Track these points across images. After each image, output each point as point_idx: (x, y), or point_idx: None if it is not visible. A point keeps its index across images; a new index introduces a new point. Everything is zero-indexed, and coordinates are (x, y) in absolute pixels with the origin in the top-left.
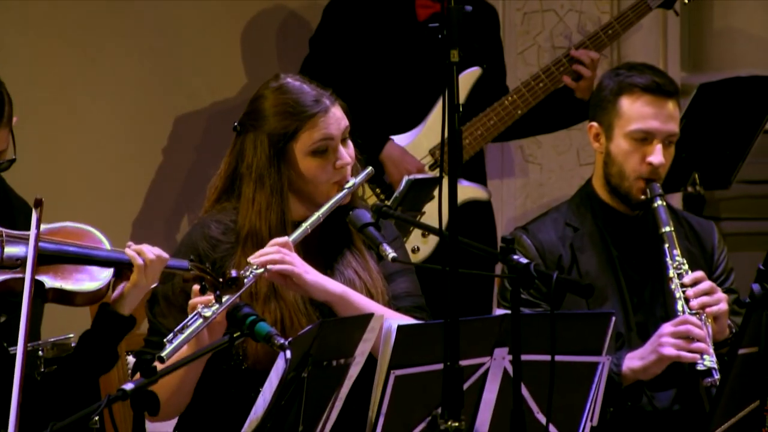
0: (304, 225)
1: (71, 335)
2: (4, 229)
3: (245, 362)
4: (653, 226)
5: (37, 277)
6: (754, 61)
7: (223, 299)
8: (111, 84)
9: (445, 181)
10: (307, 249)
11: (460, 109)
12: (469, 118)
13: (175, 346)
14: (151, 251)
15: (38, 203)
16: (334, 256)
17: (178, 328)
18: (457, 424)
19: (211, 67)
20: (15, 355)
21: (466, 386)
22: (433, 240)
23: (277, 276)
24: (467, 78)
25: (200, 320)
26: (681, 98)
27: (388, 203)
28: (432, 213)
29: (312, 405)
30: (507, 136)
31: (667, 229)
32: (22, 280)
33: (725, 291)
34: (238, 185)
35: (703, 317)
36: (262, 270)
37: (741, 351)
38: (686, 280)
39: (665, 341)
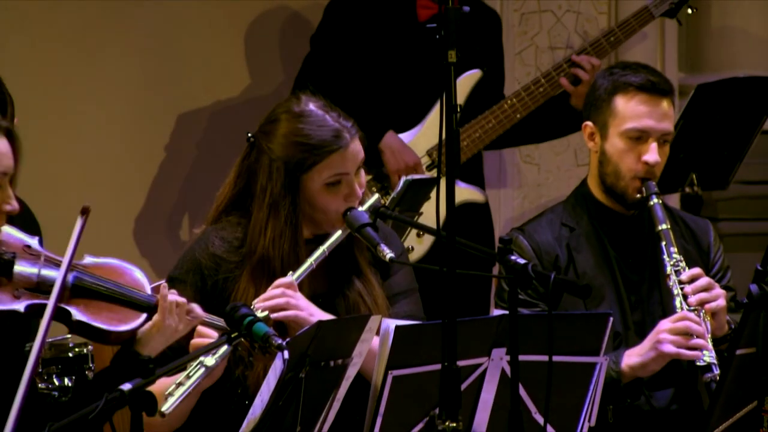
0: (309, 260)
1: (69, 336)
2: (44, 251)
3: (248, 392)
4: (649, 224)
5: (65, 306)
6: (752, 62)
7: (223, 348)
8: (112, 83)
9: (443, 182)
10: (312, 274)
11: (459, 110)
12: (468, 121)
13: (177, 399)
14: (188, 306)
15: (85, 211)
16: (339, 278)
17: (180, 378)
18: (454, 424)
19: (213, 67)
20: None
21: (463, 387)
22: (427, 240)
23: (282, 320)
24: (467, 80)
25: (202, 369)
26: (679, 99)
27: (385, 203)
28: (429, 213)
29: (309, 406)
30: (501, 143)
31: (664, 227)
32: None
33: (722, 288)
34: (249, 204)
35: (701, 313)
36: (265, 314)
37: (739, 351)
38: (684, 277)
39: (664, 338)
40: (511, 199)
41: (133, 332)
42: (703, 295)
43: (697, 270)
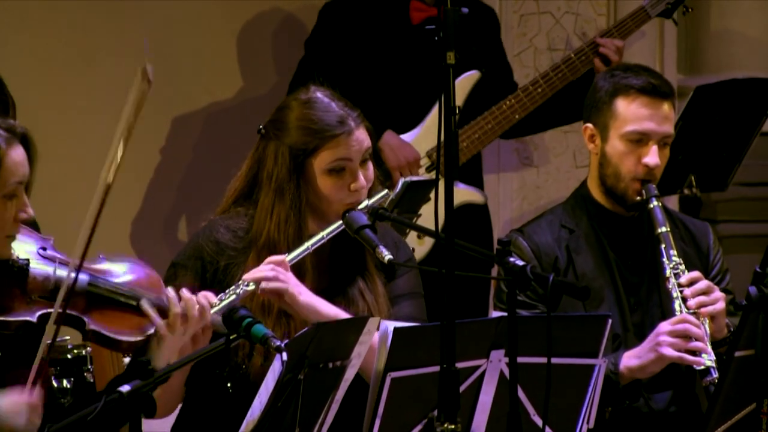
0: (306, 244)
1: (67, 337)
2: (58, 255)
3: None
4: (649, 226)
5: (80, 315)
6: (750, 64)
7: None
8: (108, 85)
9: (442, 184)
10: (317, 265)
11: (457, 112)
12: (467, 122)
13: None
14: (201, 310)
15: (145, 74)
16: (342, 274)
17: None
18: (453, 426)
19: (208, 69)
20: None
21: (462, 389)
22: (428, 241)
23: (269, 293)
24: (465, 81)
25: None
26: (678, 100)
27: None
28: (428, 215)
29: (308, 407)
30: (515, 132)
31: (664, 229)
32: (66, 314)
33: (721, 291)
34: (257, 191)
35: (700, 317)
36: (253, 287)
37: (738, 354)
38: (683, 280)
39: (663, 340)
40: (510, 200)
41: (148, 339)
42: (702, 299)
43: (696, 273)
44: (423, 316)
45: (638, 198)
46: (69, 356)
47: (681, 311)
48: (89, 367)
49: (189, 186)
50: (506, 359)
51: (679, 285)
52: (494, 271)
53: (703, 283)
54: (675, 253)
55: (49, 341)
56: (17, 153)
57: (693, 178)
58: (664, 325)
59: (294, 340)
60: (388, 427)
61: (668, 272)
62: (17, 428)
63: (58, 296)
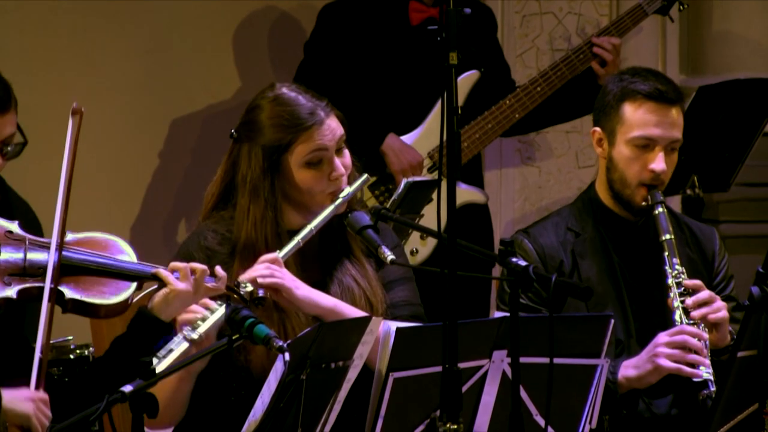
0: (296, 239)
1: (70, 337)
2: (28, 235)
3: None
4: (655, 233)
5: (57, 287)
6: (752, 64)
7: (209, 320)
8: (107, 87)
9: (444, 184)
10: (305, 257)
11: (459, 112)
12: (467, 122)
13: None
14: (197, 264)
15: (76, 111)
16: (332, 263)
17: (163, 352)
18: (455, 426)
19: (207, 70)
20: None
21: (464, 389)
22: (431, 242)
23: (267, 291)
24: (465, 81)
25: (185, 344)
26: None
27: (387, 206)
28: (430, 215)
29: (310, 407)
30: (515, 130)
31: (668, 236)
32: (41, 288)
33: (725, 298)
34: (234, 195)
35: (700, 326)
36: (250, 287)
37: (740, 354)
38: (686, 285)
39: (661, 351)
40: (511, 201)
41: (127, 303)
42: (704, 310)
43: (697, 282)
44: (417, 299)
45: (644, 204)
46: (71, 356)
47: (681, 322)
48: (91, 349)
49: (188, 188)
50: (508, 359)
51: (681, 294)
52: (496, 272)
53: (705, 294)
54: (678, 261)
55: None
56: None
57: (695, 178)
58: (662, 336)
59: (296, 340)
60: (390, 428)
61: (670, 281)
62: (28, 421)
63: (46, 277)
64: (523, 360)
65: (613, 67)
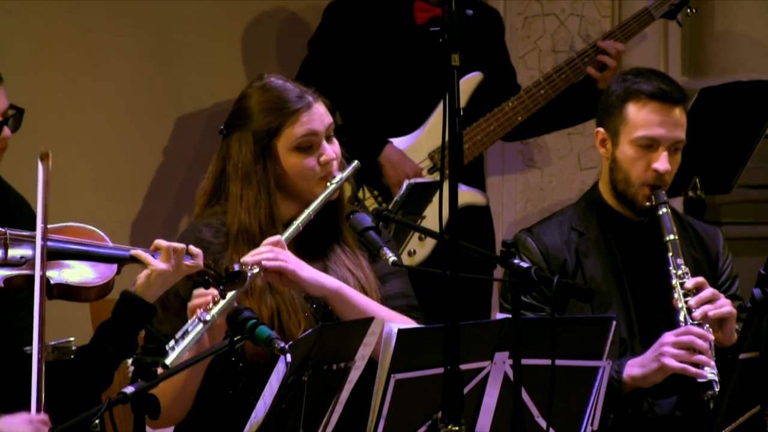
0: (296, 223)
1: (72, 339)
2: (8, 230)
3: (242, 361)
4: (659, 233)
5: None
6: (755, 66)
7: (220, 303)
8: (111, 85)
9: (445, 185)
10: (298, 248)
11: (461, 114)
12: (469, 124)
13: (178, 352)
14: (176, 243)
15: (44, 156)
16: (326, 254)
17: (179, 334)
18: (457, 428)
19: (212, 68)
20: (31, 353)
21: (466, 390)
22: (429, 243)
23: (272, 274)
24: (468, 83)
25: (200, 325)
26: None
27: (388, 207)
28: (432, 217)
29: (312, 409)
30: (517, 134)
31: (671, 237)
32: (27, 276)
33: (730, 297)
34: (226, 185)
35: (705, 326)
36: (257, 270)
37: (742, 356)
38: (688, 284)
39: (666, 351)
40: (513, 202)
41: (108, 285)
42: (707, 307)
43: (700, 279)
44: (411, 291)
45: (648, 204)
46: (72, 357)
47: (686, 322)
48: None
49: (191, 186)
50: (510, 361)
51: (685, 293)
52: (498, 273)
53: (708, 291)
54: (682, 261)
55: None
56: None
57: (697, 180)
58: (668, 336)
59: (298, 341)
60: (392, 429)
61: (674, 281)
62: None
63: (36, 268)
64: (524, 362)
65: (612, 72)
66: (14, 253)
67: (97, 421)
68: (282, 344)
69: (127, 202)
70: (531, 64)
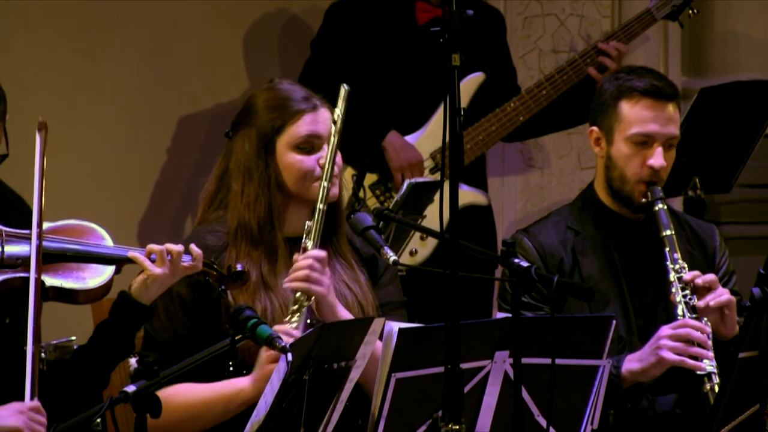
0: (315, 227)
1: (73, 338)
2: (4, 228)
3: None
4: (655, 230)
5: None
6: (754, 66)
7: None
8: (114, 85)
9: (446, 185)
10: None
11: (462, 114)
12: (471, 124)
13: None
14: (173, 246)
15: (42, 126)
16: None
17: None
18: (457, 427)
19: (214, 69)
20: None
21: (466, 389)
22: (431, 243)
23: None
24: (470, 83)
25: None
26: (682, 102)
27: (389, 206)
28: (433, 216)
29: (313, 408)
30: (518, 135)
31: (668, 232)
32: (23, 278)
33: None
34: (228, 183)
35: (703, 320)
36: (312, 300)
37: (741, 355)
38: (687, 276)
39: (664, 344)
40: (514, 202)
41: (109, 286)
42: (707, 298)
43: (696, 272)
44: (402, 296)
45: (644, 200)
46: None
47: (684, 316)
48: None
49: (195, 185)
50: (510, 360)
51: (682, 286)
52: (498, 273)
53: (709, 276)
54: (679, 256)
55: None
56: None
57: (697, 179)
58: (665, 329)
59: (299, 340)
60: (392, 428)
61: (672, 276)
62: None
63: (31, 268)
64: (524, 361)
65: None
66: (11, 252)
67: (98, 420)
68: (283, 343)
69: (132, 201)
70: (531, 64)
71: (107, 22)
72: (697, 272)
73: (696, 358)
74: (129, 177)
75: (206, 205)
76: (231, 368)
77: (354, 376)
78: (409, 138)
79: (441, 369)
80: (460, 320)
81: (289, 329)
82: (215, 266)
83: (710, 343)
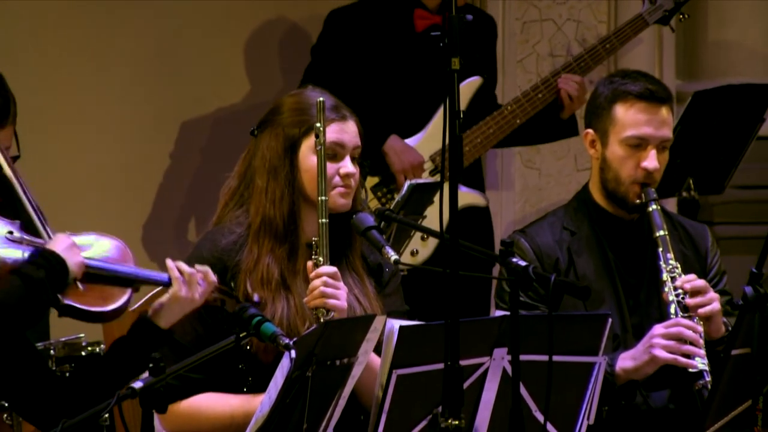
0: (322, 235)
1: (82, 335)
2: (25, 236)
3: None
4: (649, 230)
5: None
6: (747, 70)
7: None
8: (119, 90)
9: (446, 186)
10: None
11: (461, 117)
12: (469, 127)
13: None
14: (196, 268)
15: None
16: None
17: None
18: (457, 422)
19: (216, 75)
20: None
21: (466, 385)
22: (432, 243)
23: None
24: (468, 87)
25: None
26: (676, 105)
27: (390, 207)
28: (433, 217)
29: (316, 403)
30: (504, 144)
31: (661, 233)
32: None
33: (718, 292)
34: (251, 179)
35: (695, 319)
36: (332, 313)
37: (734, 352)
38: (679, 282)
39: (657, 342)
40: (512, 202)
41: (121, 310)
42: (698, 299)
43: (692, 276)
44: (404, 305)
45: (638, 201)
46: (83, 353)
47: (676, 315)
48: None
49: (198, 188)
50: (509, 357)
51: (675, 288)
52: (495, 271)
53: (700, 282)
54: (672, 256)
55: None
56: None
57: (691, 181)
58: (658, 328)
59: (302, 338)
60: (393, 423)
61: (665, 276)
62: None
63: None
64: (522, 357)
65: (579, 103)
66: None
67: (106, 415)
68: (286, 340)
69: (136, 204)
70: (529, 68)
71: (113, 29)
72: (692, 276)
73: (688, 356)
74: (134, 179)
75: (226, 202)
76: (242, 368)
77: (356, 372)
78: (409, 141)
79: (441, 366)
80: (459, 318)
81: None
82: (231, 293)
83: (702, 341)
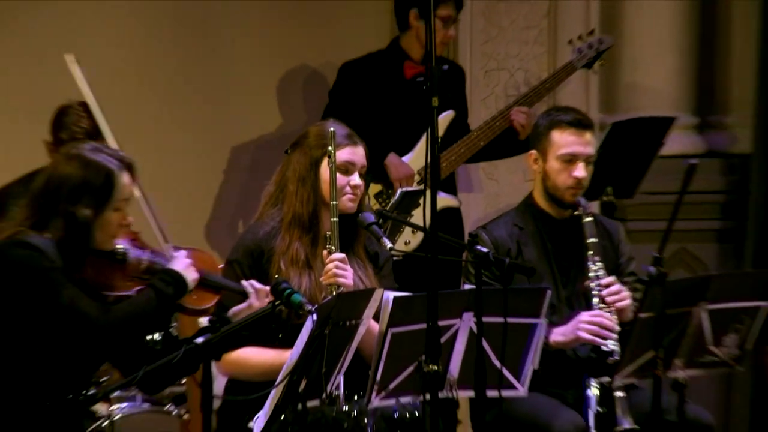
0: (331, 234)
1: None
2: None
3: (283, 321)
4: (578, 227)
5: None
6: (652, 105)
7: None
8: (191, 123)
9: (428, 193)
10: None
11: (439, 141)
12: (446, 148)
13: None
14: (261, 286)
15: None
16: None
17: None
18: (436, 367)
19: (257, 110)
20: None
21: (442, 340)
22: (420, 235)
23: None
24: (444, 119)
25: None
26: (599, 132)
27: (387, 208)
28: (418, 216)
29: (332, 353)
30: (471, 160)
31: (593, 240)
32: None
33: (627, 273)
34: (285, 186)
35: (612, 311)
36: (339, 290)
37: (641, 315)
38: (603, 282)
39: (582, 326)
40: (477, 205)
41: (211, 308)
42: (614, 297)
43: (612, 278)
44: (395, 285)
45: (576, 213)
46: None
47: (599, 307)
48: (174, 324)
49: (244, 199)
50: (474, 319)
51: (599, 286)
52: (464, 256)
53: (616, 287)
54: (599, 259)
55: None
56: (125, 177)
57: (609, 188)
58: (584, 315)
59: (321, 305)
60: (389, 369)
61: (592, 274)
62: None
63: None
64: (484, 319)
65: (528, 129)
66: (154, 262)
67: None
68: (310, 307)
69: (199, 211)
70: (490, 105)
71: (181, 70)
72: (611, 278)
73: (604, 339)
74: (197, 193)
75: (266, 202)
76: (274, 326)
77: (361, 331)
78: (403, 158)
79: (424, 325)
80: (438, 290)
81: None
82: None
83: (617, 328)
